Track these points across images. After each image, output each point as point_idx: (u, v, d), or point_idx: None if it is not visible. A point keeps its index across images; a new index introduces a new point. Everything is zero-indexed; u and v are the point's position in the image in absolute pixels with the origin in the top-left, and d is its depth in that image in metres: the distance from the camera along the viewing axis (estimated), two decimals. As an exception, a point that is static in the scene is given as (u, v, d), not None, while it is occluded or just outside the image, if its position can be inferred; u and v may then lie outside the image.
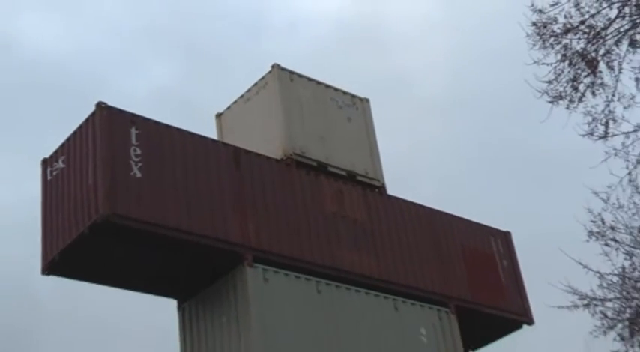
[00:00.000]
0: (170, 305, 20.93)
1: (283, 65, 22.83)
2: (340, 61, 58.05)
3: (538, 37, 15.79)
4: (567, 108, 15.66)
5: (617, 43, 15.68)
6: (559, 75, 15.57)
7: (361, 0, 66.85)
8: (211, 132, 23.04)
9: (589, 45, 15.68)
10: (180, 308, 20.51)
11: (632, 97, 15.33)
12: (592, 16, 15.54)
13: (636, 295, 19.62)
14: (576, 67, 15.68)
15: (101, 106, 18.42)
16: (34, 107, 57.56)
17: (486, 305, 23.95)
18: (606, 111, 15.54)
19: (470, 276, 24.02)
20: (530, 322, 24.88)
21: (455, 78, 64.23)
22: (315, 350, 19.41)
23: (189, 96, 59.13)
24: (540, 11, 15.76)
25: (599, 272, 19.55)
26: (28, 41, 65.92)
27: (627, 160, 15.93)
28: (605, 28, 15.59)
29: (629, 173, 16.08)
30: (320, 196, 21.68)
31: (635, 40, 15.56)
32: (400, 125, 59.26)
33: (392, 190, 23.78)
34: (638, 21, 15.37)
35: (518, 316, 24.71)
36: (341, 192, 22.12)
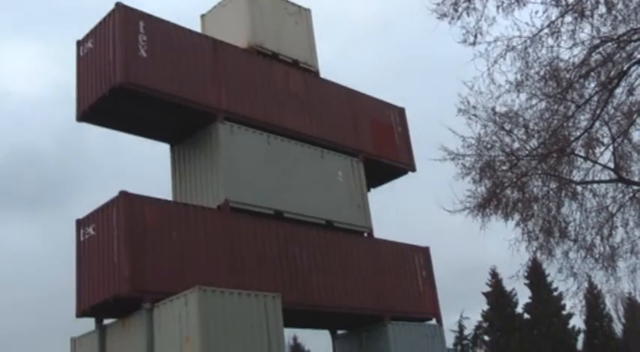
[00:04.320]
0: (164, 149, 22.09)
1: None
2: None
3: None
4: (449, 23, 15.79)
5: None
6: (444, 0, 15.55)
7: None
8: (197, 28, 23.62)
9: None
10: (172, 150, 21.81)
11: (494, 18, 15.44)
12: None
13: (486, 153, 20.80)
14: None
15: (119, 5, 19.43)
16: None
17: (384, 157, 25.30)
18: (476, 27, 15.62)
19: (374, 137, 25.20)
20: (414, 170, 26.25)
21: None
22: (264, 182, 20.85)
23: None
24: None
25: (462, 136, 20.66)
26: None
27: (487, 60, 16.15)
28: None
29: (488, 69, 16.28)
30: (272, 76, 22.71)
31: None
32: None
33: (324, 75, 24.82)
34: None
35: (405, 166, 26.11)
36: (287, 74, 23.23)
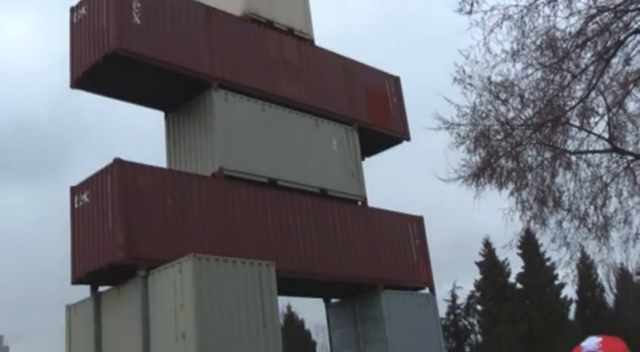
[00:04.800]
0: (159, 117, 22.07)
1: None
2: None
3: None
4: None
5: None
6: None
7: None
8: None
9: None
10: (166, 118, 21.81)
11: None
12: None
13: (481, 122, 20.51)
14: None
15: (112, -27, 19.18)
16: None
17: (378, 126, 25.37)
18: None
19: (369, 106, 25.20)
20: (408, 139, 26.35)
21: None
22: (259, 150, 20.91)
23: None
24: None
25: (457, 105, 20.31)
26: None
27: (483, 30, 16.15)
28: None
29: (484, 38, 16.24)
30: (267, 44, 22.62)
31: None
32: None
33: (318, 43, 24.74)
34: None
35: (400, 135, 26.19)
36: (282, 42, 23.16)
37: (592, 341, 2.27)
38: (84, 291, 19.22)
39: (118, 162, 17.90)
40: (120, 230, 17.34)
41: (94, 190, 18.40)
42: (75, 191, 19.03)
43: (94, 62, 19.22)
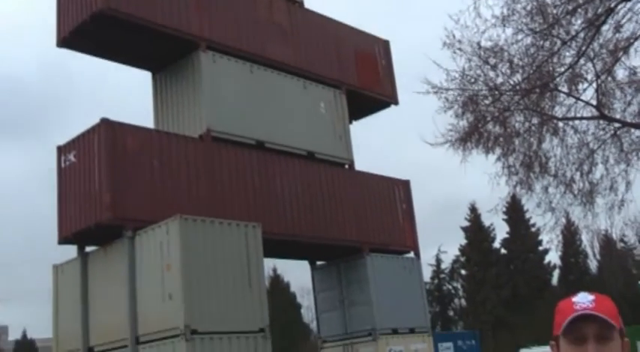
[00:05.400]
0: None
1: None
2: None
3: None
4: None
5: None
6: None
7: None
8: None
9: None
10: (154, 78, 21.73)
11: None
12: None
13: (470, 87, 20.18)
14: None
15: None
16: None
17: (367, 90, 25.40)
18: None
19: (357, 70, 25.21)
20: (396, 103, 26.43)
21: None
22: (247, 112, 20.91)
23: None
24: None
25: (446, 70, 19.83)
26: None
27: None
28: None
29: (474, 3, 15.99)
30: (256, 6, 22.50)
31: None
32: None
33: (308, 5, 24.69)
34: None
35: (388, 98, 26.27)
36: (271, 3, 23.02)
37: (585, 299, 2.25)
38: (71, 251, 19.32)
39: (105, 122, 17.86)
40: (107, 190, 17.37)
41: (81, 150, 18.38)
42: (62, 150, 18.99)
43: (81, 21, 19.12)
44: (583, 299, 2.24)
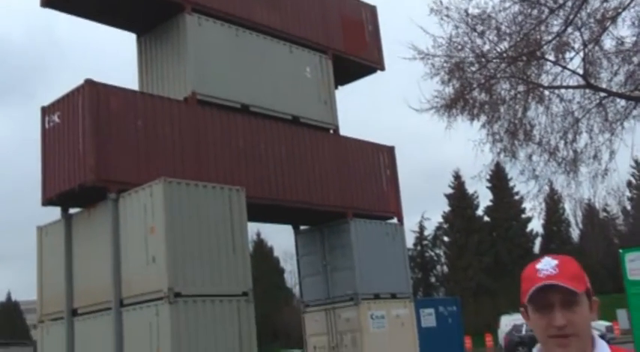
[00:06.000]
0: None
1: None
2: None
3: None
4: None
5: None
6: None
7: None
8: None
9: None
10: (139, 40, 21.57)
11: None
12: None
13: (456, 54, 20.45)
14: None
15: None
16: None
17: (353, 55, 25.28)
18: None
19: (344, 34, 25.04)
20: (383, 69, 26.36)
21: None
22: (232, 75, 20.80)
23: None
24: None
25: (433, 36, 20.24)
26: None
27: None
28: None
29: None
30: None
31: None
32: None
33: None
34: None
35: (374, 64, 26.15)
36: None
37: (548, 265, 2.24)
38: (55, 213, 19.34)
39: (89, 83, 17.76)
40: (91, 151, 17.34)
41: (65, 111, 18.29)
42: (46, 111, 18.89)
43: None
44: (546, 266, 2.23)
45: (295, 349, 51.15)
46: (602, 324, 39.03)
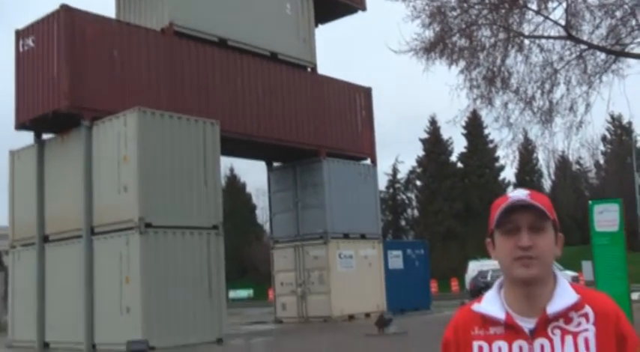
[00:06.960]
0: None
1: None
2: None
3: None
4: None
5: None
6: None
7: None
8: None
9: None
10: None
11: None
12: None
13: None
14: None
15: None
16: None
17: None
18: None
19: None
20: (364, 9, 26.06)
21: None
22: (211, 8, 20.63)
23: None
24: None
25: None
26: None
27: None
28: None
29: None
30: None
31: None
32: None
33: None
34: None
35: (356, 4, 25.71)
36: None
37: (520, 193, 2.37)
38: (28, 138, 19.32)
39: (65, 8, 17.59)
40: (65, 77, 17.28)
41: (40, 35, 18.13)
42: (20, 34, 18.69)
43: None
44: (518, 193, 2.29)
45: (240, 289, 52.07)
46: (569, 274, 39.86)
